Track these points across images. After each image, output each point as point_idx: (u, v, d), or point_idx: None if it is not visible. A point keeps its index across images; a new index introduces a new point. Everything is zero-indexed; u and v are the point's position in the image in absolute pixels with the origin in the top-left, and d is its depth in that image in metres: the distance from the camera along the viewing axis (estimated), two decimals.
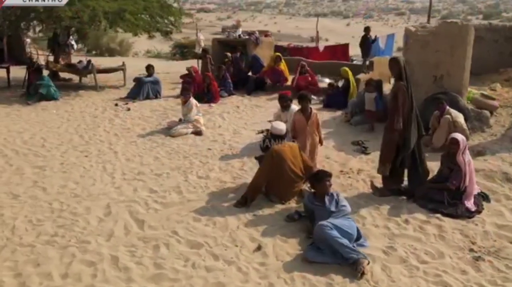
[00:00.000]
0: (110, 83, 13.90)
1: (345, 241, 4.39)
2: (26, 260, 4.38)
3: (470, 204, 5.44)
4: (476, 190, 5.65)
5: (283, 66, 12.57)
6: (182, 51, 32.27)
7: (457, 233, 4.95)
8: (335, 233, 4.41)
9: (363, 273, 4.16)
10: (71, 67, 14.30)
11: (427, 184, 5.71)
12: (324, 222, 4.49)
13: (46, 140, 8.09)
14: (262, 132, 8.43)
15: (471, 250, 4.65)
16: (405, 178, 5.93)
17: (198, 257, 4.46)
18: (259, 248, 4.66)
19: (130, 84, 12.22)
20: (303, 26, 66.98)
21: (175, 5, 14.81)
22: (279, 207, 5.51)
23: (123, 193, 5.90)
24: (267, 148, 5.80)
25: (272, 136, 5.82)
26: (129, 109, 10.44)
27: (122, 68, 14.28)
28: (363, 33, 13.09)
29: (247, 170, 6.64)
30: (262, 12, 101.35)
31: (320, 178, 5.07)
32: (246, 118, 9.74)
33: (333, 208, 4.84)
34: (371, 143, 7.68)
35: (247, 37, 15.17)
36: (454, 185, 5.48)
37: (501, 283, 4.07)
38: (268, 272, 4.25)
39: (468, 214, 5.31)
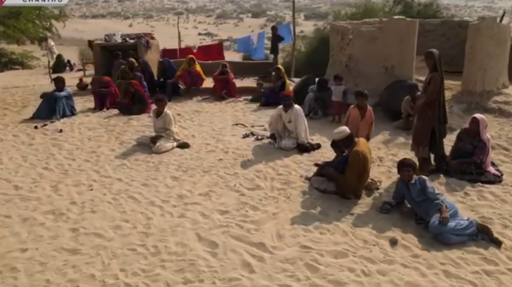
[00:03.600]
0: None
1: (459, 224, 4.81)
2: None
3: (493, 171, 6.47)
4: None
5: (198, 67, 12.21)
6: None
7: (508, 196, 5.87)
8: (446, 227, 4.73)
9: (500, 242, 4.69)
10: None
11: (457, 160, 6.52)
12: (434, 223, 4.80)
13: (10, 181, 6.40)
14: (247, 135, 8.25)
15: None
16: None
17: (357, 265, 4.37)
18: (395, 242, 4.77)
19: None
20: (83, 28, 64.49)
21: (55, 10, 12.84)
22: (360, 203, 5.64)
23: (196, 221, 5.20)
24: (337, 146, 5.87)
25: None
26: (61, 131, 8.84)
27: None
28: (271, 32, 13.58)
29: (285, 174, 6.52)
30: None
31: (398, 167, 5.43)
32: (205, 124, 9.28)
33: (418, 198, 5.20)
34: None
35: (131, 41, 14.20)
36: (480, 159, 6.42)
37: None
38: (430, 262, 4.44)
39: (498, 179, 6.33)
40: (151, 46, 14.15)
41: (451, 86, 9.97)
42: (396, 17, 9.75)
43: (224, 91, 11.72)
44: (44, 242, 4.74)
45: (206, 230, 4.97)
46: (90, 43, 19.55)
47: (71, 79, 18.49)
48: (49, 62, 18.85)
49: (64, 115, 9.94)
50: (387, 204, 5.47)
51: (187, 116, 10.00)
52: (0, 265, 4.32)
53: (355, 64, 9.73)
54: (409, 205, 5.42)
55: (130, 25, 76.72)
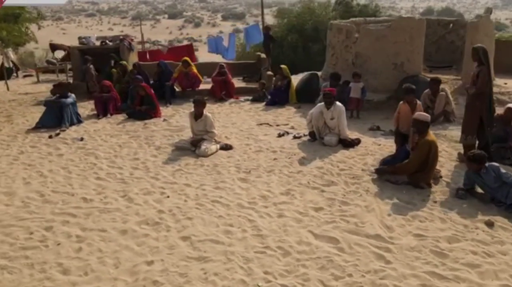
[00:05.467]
0: None
1: None
2: None
3: None
4: None
5: (195, 69, 12.04)
6: None
7: None
8: None
9: None
10: None
11: (494, 145, 7.11)
12: None
13: (72, 193, 6.04)
14: (283, 135, 8.35)
15: None
16: None
17: (474, 247, 4.69)
18: (492, 224, 5.17)
19: None
20: None
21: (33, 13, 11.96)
22: (434, 191, 6.00)
23: (299, 219, 5.28)
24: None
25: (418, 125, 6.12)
26: (82, 139, 8.38)
27: None
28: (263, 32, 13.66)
29: (347, 169, 6.75)
30: None
31: (468, 160, 5.87)
32: (228, 125, 9.29)
33: (495, 184, 5.63)
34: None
35: (110, 43, 13.68)
36: None
37: None
38: None
39: None
40: (134, 49, 13.74)
41: (445, 80, 10.72)
42: (404, 15, 10.29)
43: (223, 92, 11.68)
44: (163, 253, 4.57)
45: (316, 227, 5.06)
46: (52, 46, 18.44)
47: (24, 86, 17.40)
48: (5, 67, 17.52)
49: (72, 123, 9.40)
50: (461, 190, 5.89)
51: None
52: (139, 279, 4.12)
53: (363, 62, 10.15)
54: (480, 190, 5.85)
55: (39, 28, 72.39)
